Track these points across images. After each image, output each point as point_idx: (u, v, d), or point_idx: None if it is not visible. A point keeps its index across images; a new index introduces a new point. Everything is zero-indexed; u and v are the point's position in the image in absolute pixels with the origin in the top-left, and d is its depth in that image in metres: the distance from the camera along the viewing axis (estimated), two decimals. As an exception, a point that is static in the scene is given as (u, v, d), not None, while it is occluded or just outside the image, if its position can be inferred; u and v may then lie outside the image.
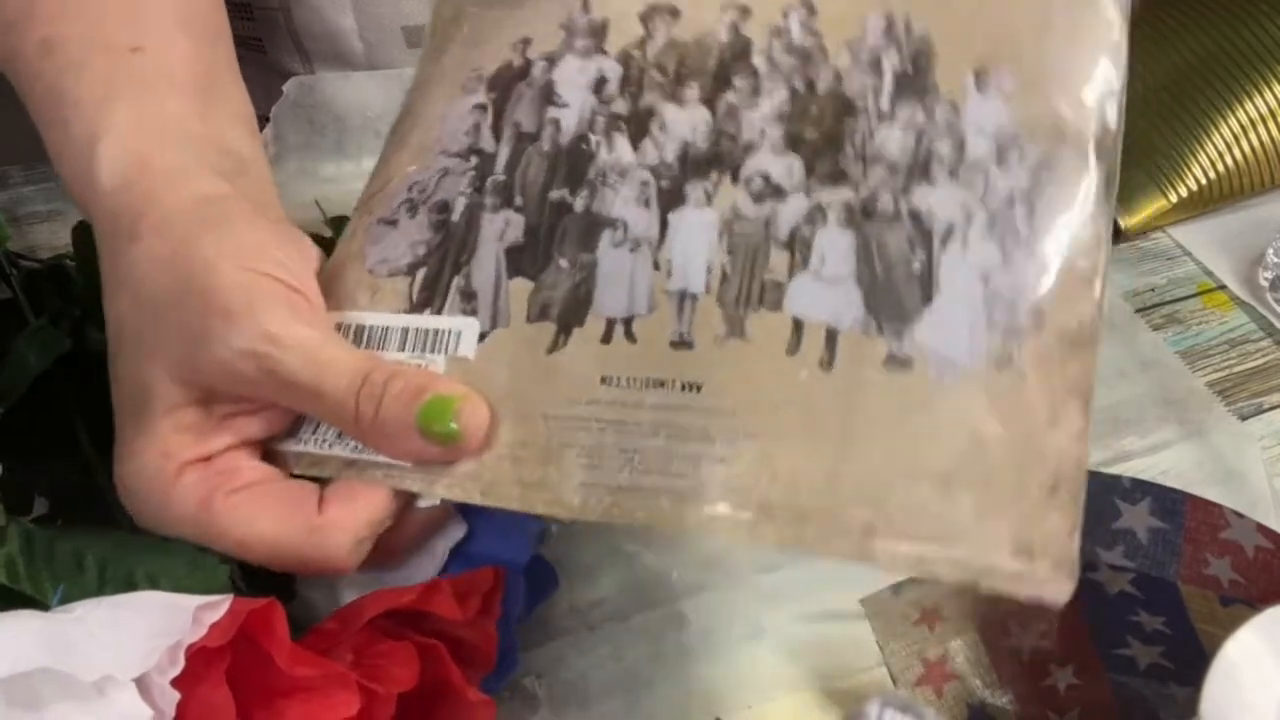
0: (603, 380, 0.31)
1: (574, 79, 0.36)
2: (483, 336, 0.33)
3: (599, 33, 0.36)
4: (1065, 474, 0.28)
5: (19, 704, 0.25)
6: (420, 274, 0.35)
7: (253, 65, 0.40)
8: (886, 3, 0.33)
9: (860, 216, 0.31)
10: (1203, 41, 0.62)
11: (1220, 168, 0.60)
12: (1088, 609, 0.35)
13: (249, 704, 0.28)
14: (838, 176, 0.32)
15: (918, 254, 0.30)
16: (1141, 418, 0.51)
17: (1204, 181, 0.60)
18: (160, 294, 0.32)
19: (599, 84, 0.35)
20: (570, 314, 0.33)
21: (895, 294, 0.30)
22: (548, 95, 0.36)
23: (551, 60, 0.36)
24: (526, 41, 0.37)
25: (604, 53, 0.36)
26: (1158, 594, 0.33)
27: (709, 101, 0.34)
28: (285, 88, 0.57)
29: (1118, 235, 0.60)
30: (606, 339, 0.32)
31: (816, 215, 0.32)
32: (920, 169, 0.31)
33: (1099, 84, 0.31)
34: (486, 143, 0.36)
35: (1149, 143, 0.60)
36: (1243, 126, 0.60)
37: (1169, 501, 0.34)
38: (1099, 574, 0.34)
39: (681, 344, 0.31)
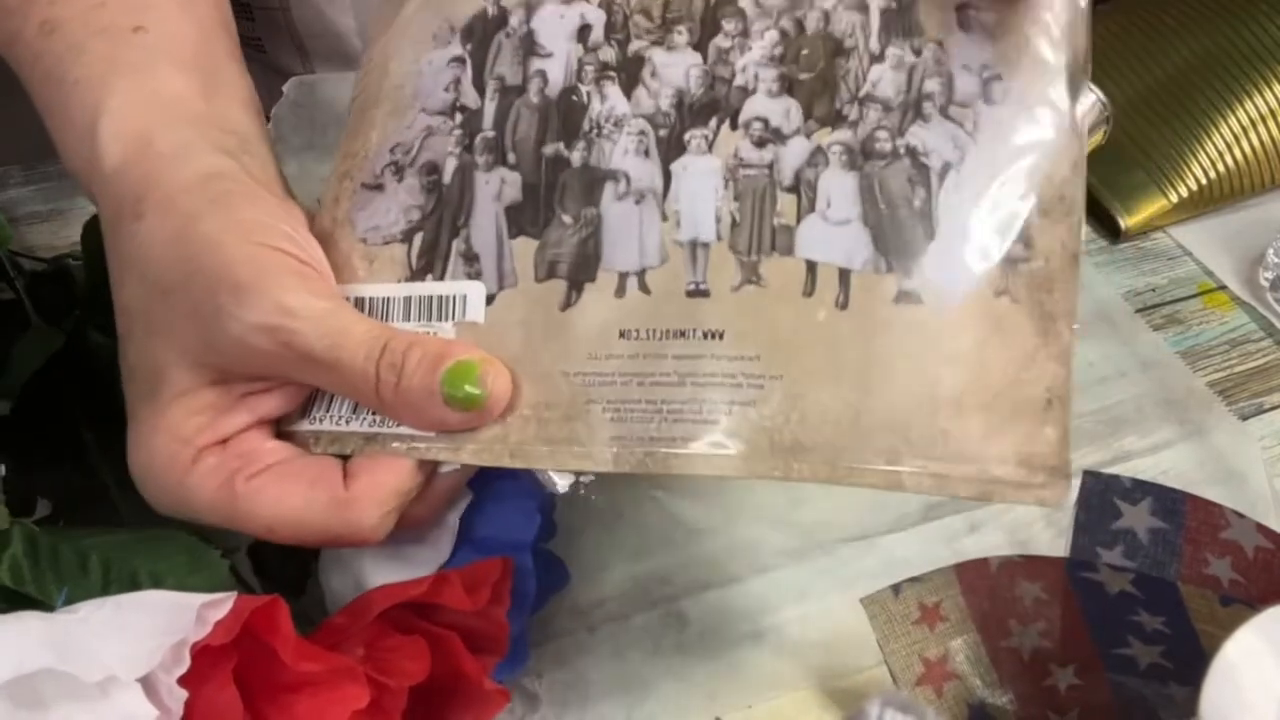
0: (621, 334, 0.32)
1: (555, 27, 0.35)
2: (490, 299, 0.33)
3: None
4: (1056, 390, 0.30)
5: (23, 705, 0.25)
6: (417, 240, 0.34)
7: (253, 65, 0.39)
8: None
9: (860, 157, 0.32)
10: (1203, 41, 0.62)
11: (1220, 168, 0.60)
12: (1088, 609, 0.35)
13: (258, 701, 0.28)
14: (835, 118, 0.33)
15: (918, 192, 0.31)
16: (1141, 418, 0.51)
17: (1204, 181, 0.60)
18: (167, 274, 0.31)
19: (582, 31, 0.35)
20: (580, 270, 0.33)
21: (901, 232, 0.31)
22: (529, 45, 0.35)
23: (529, 7, 0.35)
24: None
25: None
26: (1158, 594, 0.33)
27: (699, 46, 0.34)
28: (285, 88, 0.57)
29: (1118, 235, 0.60)
30: (620, 293, 0.32)
31: (818, 158, 0.32)
32: (913, 108, 0.32)
33: (1068, 9, 0.32)
34: (469, 98, 0.35)
35: (1149, 143, 0.61)
36: (1243, 126, 0.60)
37: (1169, 501, 0.34)
38: (1099, 574, 0.34)
39: (698, 293, 0.32)
